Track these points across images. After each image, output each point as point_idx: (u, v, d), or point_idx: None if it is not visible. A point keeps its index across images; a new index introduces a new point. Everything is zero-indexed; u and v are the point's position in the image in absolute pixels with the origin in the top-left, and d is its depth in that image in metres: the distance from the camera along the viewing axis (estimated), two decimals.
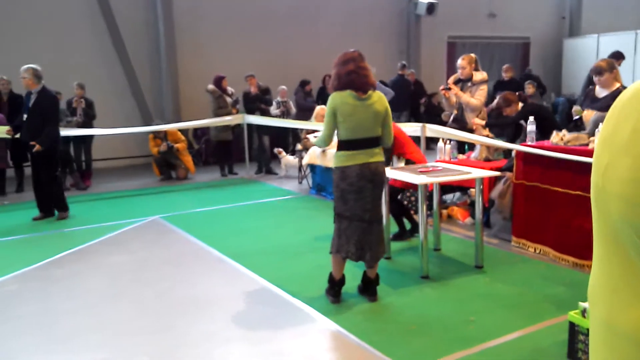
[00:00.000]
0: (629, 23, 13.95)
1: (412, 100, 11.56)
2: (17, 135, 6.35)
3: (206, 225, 5.97)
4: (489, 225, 5.31)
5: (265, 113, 9.42)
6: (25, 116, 6.11)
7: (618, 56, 8.01)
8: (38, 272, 4.59)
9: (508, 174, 5.01)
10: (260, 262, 4.63)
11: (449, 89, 6.03)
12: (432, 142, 8.90)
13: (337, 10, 12.59)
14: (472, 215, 5.61)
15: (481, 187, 4.34)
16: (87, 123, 8.34)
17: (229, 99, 9.17)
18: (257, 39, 11.68)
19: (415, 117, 11.25)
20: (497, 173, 4.66)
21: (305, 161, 7.64)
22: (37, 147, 5.96)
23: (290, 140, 10.80)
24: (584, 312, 2.87)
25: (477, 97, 5.92)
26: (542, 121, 5.25)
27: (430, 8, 12.87)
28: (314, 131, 7.91)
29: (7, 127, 6.68)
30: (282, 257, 4.79)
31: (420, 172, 4.30)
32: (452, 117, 6.26)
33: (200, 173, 9.48)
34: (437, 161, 5.66)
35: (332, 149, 6.54)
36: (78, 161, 8.55)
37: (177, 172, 9.07)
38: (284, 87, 9.98)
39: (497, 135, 5.93)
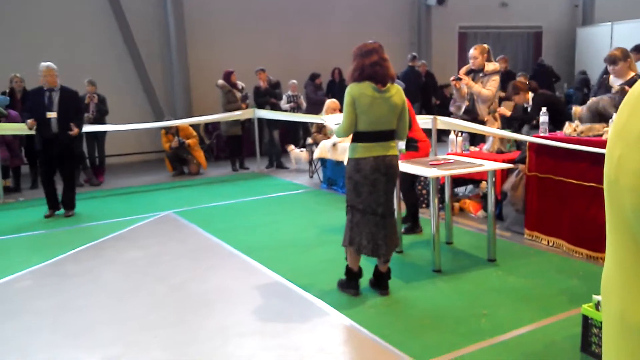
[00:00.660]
0: None
1: (423, 92, 11.48)
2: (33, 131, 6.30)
3: (218, 220, 5.99)
4: (501, 218, 5.27)
5: (276, 107, 9.43)
6: (53, 113, 6.06)
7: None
8: (53, 267, 4.65)
9: (521, 165, 4.97)
10: (272, 256, 4.64)
11: (460, 79, 5.98)
12: (443, 134, 8.84)
13: (346, 2, 12.53)
14: (485, 208, 5.57)
15: (494, 179, 4.31)
16: (100, 119, 8.40)
17: (238, 94, 9.18)
18: (267, 33, 11.67)
19: (426, 109, 11.17)
20: (510, 165, 4.62)
21: (316, 155, 7.63)
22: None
23: (300, 134, 10.80)
24: (597, 305, 2.84)
25: (488, 87, 5.86)
26: (554, 112, 5.19)
27: None
28: (323, 127, 7.90)
29: (18, 124, 6.73)
30: (293, 251, 4.80)
31: (432, 164, 4.28)
32: (463, 109, 6.21)
33: (211, 168, 9.53)
34: (448, 154, 5.62)
35: (344, 142, 6.56)
36: (91, 157, 8.63)
37: (189, 167, 9.12)
38: (294, 81, 9.97)
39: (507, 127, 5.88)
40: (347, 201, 3.70)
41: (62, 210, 6.46)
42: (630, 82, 4.48)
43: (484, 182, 5.76)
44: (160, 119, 10.22)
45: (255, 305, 3.70)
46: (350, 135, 3.65)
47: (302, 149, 8.94)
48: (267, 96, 9.38)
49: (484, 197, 5.76)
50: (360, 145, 3.55)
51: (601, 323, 2.83)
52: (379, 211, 3.61)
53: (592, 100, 4.45)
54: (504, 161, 4.93)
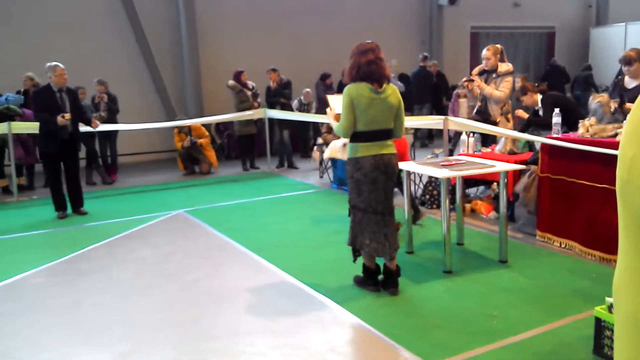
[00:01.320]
0: None
1: (434, 92, 11.44)
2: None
3: (229, 219, 6.02)
4: (513, 219, 5.24)
5: (286, 107, 9.45)
6: (68, 114, 6.02)
7: None
8: (65, 265, 4.70)
9: (533, 167, 4.94)
10: (282, 255, 4.66)
11: (472, 80, 5.95)
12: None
13: (357, 2, 12.52)
14: (496, 209, 5.55)
15: (506, 180, 4.29)
16: (111, 118, 8.46)
17: (249, 93, 9.21)
18: (277, 33, 11.70)
19: (437, 110, 11.13)
20: (522, 166, 4.60)
21: (326, 155, 7.64)
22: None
23: (311, 134, 10.82)
24: (610, 307, 2.82)
25: (501, 88, 5.83)
26: (565, 113, 5.14)
27: None
28: (331, 130, 7.90)
29: (33, 123, 6.73)
30: (303, 250, 4.81)
31: (443, 165, 4.27)
32: (475, 109, 6.18)
33: (222, 167, 9.57)
34: (460, 154, 5.60)
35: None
36: (104, 156, 8.71)
37: (201, 166, 9.17)
38: (308, 90, 10.01)
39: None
40: (350, 201, 3.79)
41: (70, 210, 6.47)
42: None
43: (495, 183, 5.73)
44: (172, 118, 10.28)
45: (265, 304, 3.72)
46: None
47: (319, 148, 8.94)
48: (277, 96, 9.40)
49: (495, 198, 5.73)
50: (360, 145, 3.63)
51: (614, 325, 2.81)
52: (379, 209, 3.68)
53: (597, 101, 4.41)
54: (516, 162, 4.90)
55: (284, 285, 4.05)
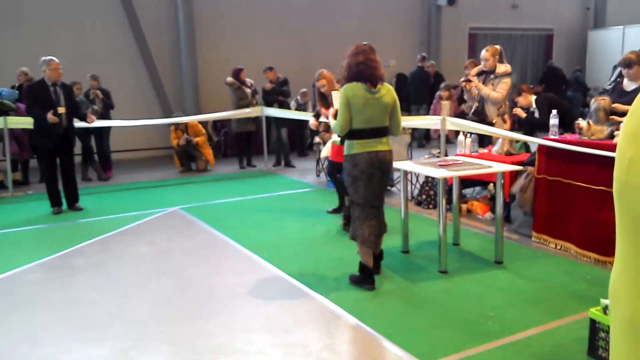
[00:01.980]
0: None
1: (432, 92, 11.44)
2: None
3: (225, 217, 6.02)
4: (509, 220, 5.26)
5: (284, 105, 9.44)
6: (62, 108, 6.02)
7: None
8: (61, 260, 4.68)
9: (530, 168, 4.95)
10: (279, 254, 4.66)
11: (470, 81, 5.96)
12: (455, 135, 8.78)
13: (357, 1, 12.51)
14: (492, 210, 5.56)
15: (502, 181, 4.29)
16: (105, 114, 8.42)
17: (248, 90, 9.19)
18: (276, 32, 11.68)
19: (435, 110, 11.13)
20: (519, 167, 4.61)
21: (323, 154, 7.63)
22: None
23: (308, 133, 10.81)
24: (605, 309, 2.83)
25: (498, 89, 5.83)
26: (560, 114, 5.15)
27: None
28: (328, 129, 7.90)
29: (27, 118, 6.64)
30: (299, 249, 4.81)
31: (440, 165, 4.27)
32: (472, 110, 6.19)
33: (219, 165, 9.56)
34: (457, 155, 5.61)
35: None
36: (99, 152, 8.67)
37: (197, 164, 9.16)
38: (305, 89, 10.01)
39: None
40: (350, 197, 3.98)
41: (65, 206, 6.45)
42: None
43: (491, 184, 5.74)
44: (169, 115, 10.26)
45: (262, 302, 3.72)
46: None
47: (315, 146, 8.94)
48: (274, 95, 9.38)
49: (491, 199, 5.75)
50: (356, 142, 3.78)
51: (608, 327, 2.82)
52: (375, 203, 3.87)
53: (596, 103, 4.42)
54: (513, 163, 4.91)
55: (281, 284, 4.05)
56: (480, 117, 6.00)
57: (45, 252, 4.86)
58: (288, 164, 9.38)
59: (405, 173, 4.61)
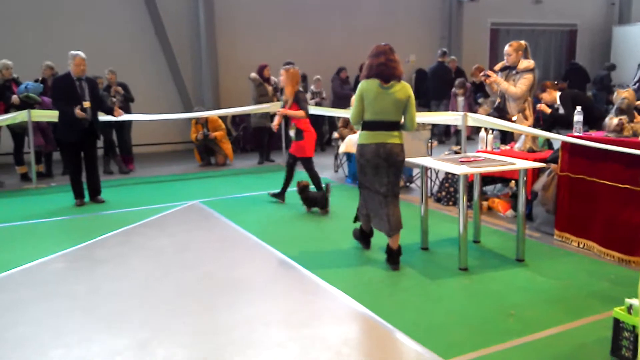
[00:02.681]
0: None
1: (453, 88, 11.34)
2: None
3: (243, 211, 6.05)
4: (531, 218, 5.19)
5: None
6: (87, 102, 6.11)
7: None
8: (83, 252, 4.75)
9: (552, 165, 4.88)
10: (297, 249, 4.67)
11: (489, 76, 5.88)
12: (473, 131, 8.72)
13: None
14: (514, 208, 5.50)
15: (525, 178, 4.24)
16: (126, 107, 8.51)
17: (270, 87, 9.22)
18: (295, 28, 11.68)
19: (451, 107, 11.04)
20: (542, 164, 4.54)
21: (341, 149, 7.64)
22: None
23: (326, 128, 10.79)
24: (629, 309, 2.78)
25: (519, 85, 5.74)
26: (584, 110, 5.07)
27: None
28: (347, 124, 7.92)
29: (52, 111, 6.75)
30: (317, 244, 4.82)
31: (461, 162, 4.23)
32: (494, 106, 6.11)
33: (238, 160, 9.61)
34: (478, 151, 5.55)
35: None
36: (120, 145, 8.76)
37: (217, 158, 9.22)
38: (318, 77, 10.01)
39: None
40: (359, 180, 4.32)
41: (87, 198, 6.53)
42: None
43: (513, 181, 5.67)
44: (189, 110, 10.34)
45: (281, 296, 3.73)
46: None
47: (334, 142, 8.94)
48: None
49: (513, 197, 5.68)
50: (366, 133, 4.09)
51: (633, 327, 2.77)
52: (381, 191, 4.12)
53: (620, 99, 4.34)
54: (535, 160, 4.85)
55: (300, 278, 4.06)
56: (501, 113, 5.92)
57: (68, 243, 4.94)
58: None
59: (426, 169, 4.58)
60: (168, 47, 10.69)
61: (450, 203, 6.07)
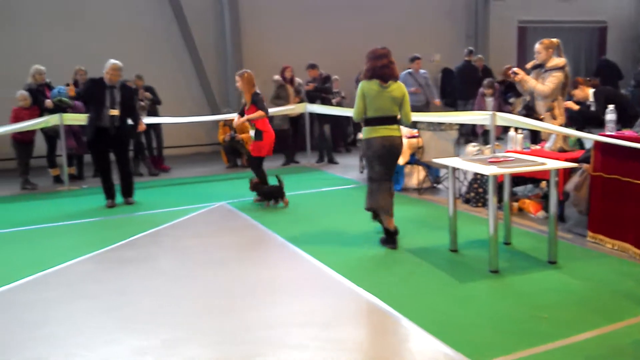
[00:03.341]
0: None
1: (480, 87, 11.18)
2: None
3: (270, 212, 6.07)
4: (562, 219, 5.07)
5: (326, 101, 9.42)
6: (116, 111, 6.20)
7: None
8: (113, 253, 4.83)
9: (585, 165, 4.76)
10: (322, 249, 4.66)
11: (517, 74, 5.77)
12: (502, 132, 8.55)
13: None
14: (545, 209, 5.39)
15: (556, 179, 4.14)
16: (153, 111, 8.64)
17: (291, 89, 9.22)
18: (319, 28, 11.68)
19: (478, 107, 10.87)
20: (574, 164, 4.44)
21: None
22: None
23: (351, 129, 10.77)
24: None
25: (547, 83, 5.60)
26: (619, 109, 4.93)
27: None
28: None
29: (84, 115, 6.90)
30: (343, 245, 4.80)
31: (491, 162, 4.16)
32: (523, 104, 6.00)
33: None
34: (507, 151, 5.46)
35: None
36: (150, 148, 8.90)
37: (242, 160, 9.28)
38: (336, 77, 10.00)
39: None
40: (367, 174, 4.74)
41: (120, 199, 6.65)
42: None
43: (544, 182, 5.56)
44: (216, 111, 10.43)
45: (305, 297, 3.73)
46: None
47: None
48: (317, 92, 9.36)
49: (544, 197, 5.57)
50: (370, 128, 4.56)
51: None
52: (386, 178, 4.61)
53: None
54: (566, 160, 4.74)
55: (325, 278, 4.05)
56: (530, 111, 5.80)
57: (98, 244, 5.02)
58: (331, 161, 9.37)
59: (454, 170, 4.52)
60: (194, 50, 10.81)
61: (479, 204, 5.98)
